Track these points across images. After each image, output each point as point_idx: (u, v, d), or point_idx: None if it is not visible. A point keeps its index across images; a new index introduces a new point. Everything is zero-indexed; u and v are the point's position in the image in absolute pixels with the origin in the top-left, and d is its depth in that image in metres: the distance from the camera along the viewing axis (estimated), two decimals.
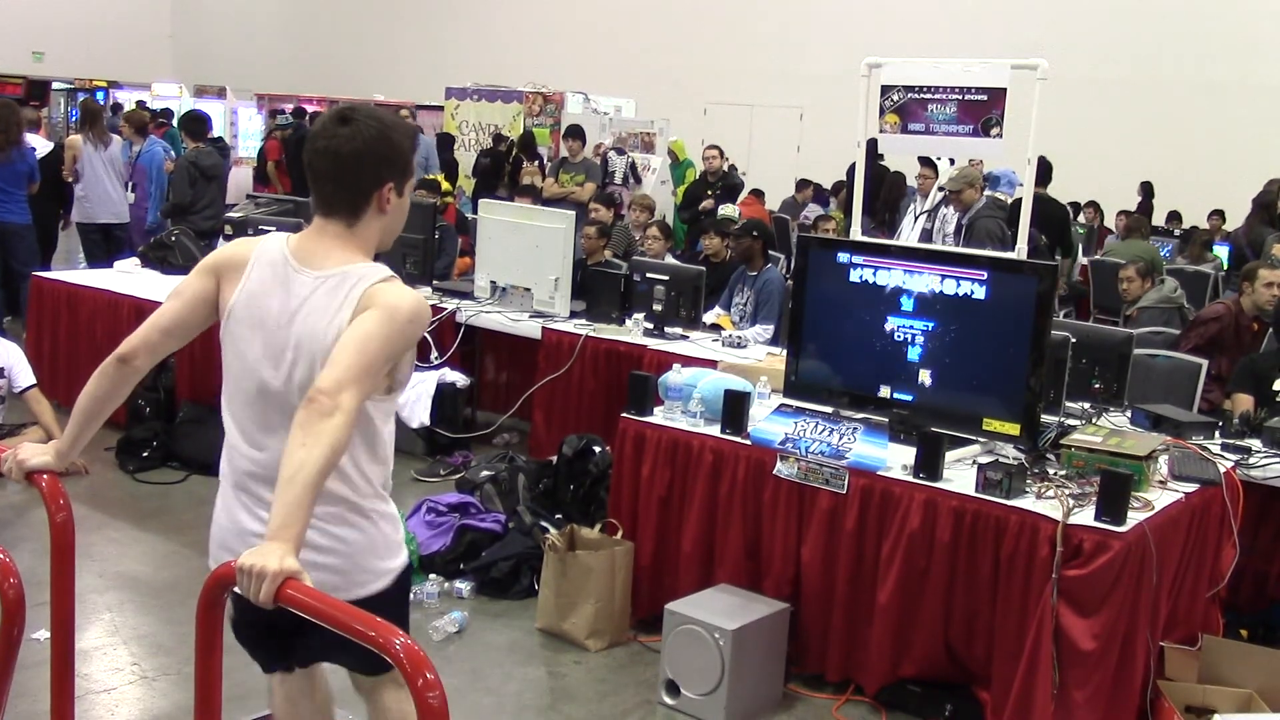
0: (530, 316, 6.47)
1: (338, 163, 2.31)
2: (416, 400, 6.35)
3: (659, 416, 4.45)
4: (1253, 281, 6.02)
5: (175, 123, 13.21)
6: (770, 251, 7.30)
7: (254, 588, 1.91)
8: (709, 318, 6.62)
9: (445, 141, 14.24)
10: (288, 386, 2.31)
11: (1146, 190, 14.79)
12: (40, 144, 9.55)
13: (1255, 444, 4.51)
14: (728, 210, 9.32)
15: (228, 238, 8.00)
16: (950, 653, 3.85)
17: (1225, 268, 10.77)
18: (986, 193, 8.29)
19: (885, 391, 4.34)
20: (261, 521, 2.30)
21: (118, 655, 4.04)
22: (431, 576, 4.72)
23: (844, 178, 12.22)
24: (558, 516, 4.94)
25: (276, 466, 2.16)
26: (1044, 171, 9.27)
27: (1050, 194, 9.10)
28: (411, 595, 4.51)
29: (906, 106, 5.06)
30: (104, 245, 9.11)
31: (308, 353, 2.29)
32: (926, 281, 4.21)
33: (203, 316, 2.45)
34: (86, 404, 2.47)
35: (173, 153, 10.73)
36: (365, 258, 2.36)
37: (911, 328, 4.27)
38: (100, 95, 20.37)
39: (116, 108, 18.11)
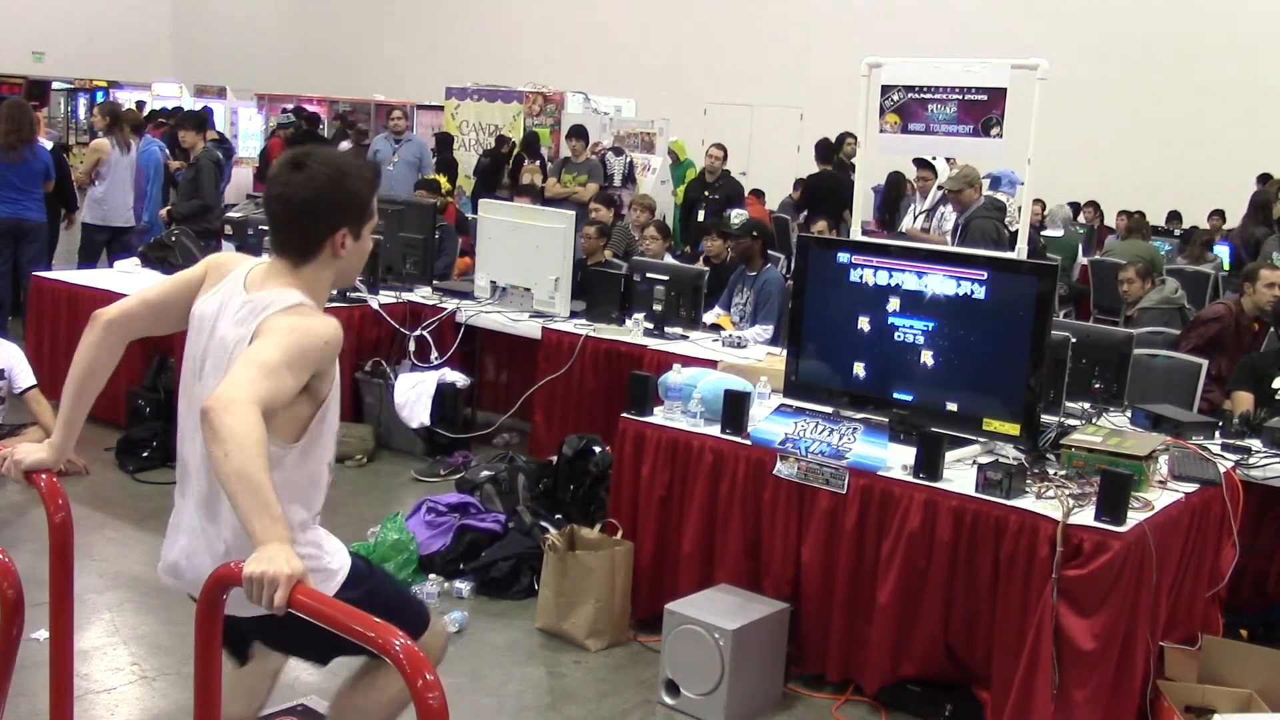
0: (530, 316, 6.47)
1: (289, 209, 2.35)
2: (416, 400, 6.35)
3: (659, 416, 4.44)
4: (1254, 282, 6.01)
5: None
6: (770, 251, 7.30)
7: (267, 595, 1.90)
8: (709, 318, 6.63)
9: (445, 141, 14.25)
10: (199, 393, 2.36)
11: None
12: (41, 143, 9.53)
13: (1255, 444, 4.51)
14: (739, 216, 9.35)
15: (227, 238, 8.01)
16: (950, 653, 3.85)
17: (1226, 268, 10.77)
18: (986, 193, 8.29)
19: (885, 392, 4.34)
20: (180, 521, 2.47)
21: (118, 655, 4.04)
22: (431, 576, 4.72)
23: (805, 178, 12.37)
24: (558, 516, 4.94)
25: (190, 469, 2.40)
26: (824, 151, 10.46)
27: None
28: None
29: (906, 106, 5.07)
30: (109, 247, 9.08)
31: (212, 364, 2.37)
32: (926, 281, 4.21)
33: (185, 306, 2.50)
34: (74, 379, 2.50)
35: (167, 151, 10.70)
36: (298, 290, 2.37)
37: (911, 328, 4.27)
38: (100, 95, 20.36)
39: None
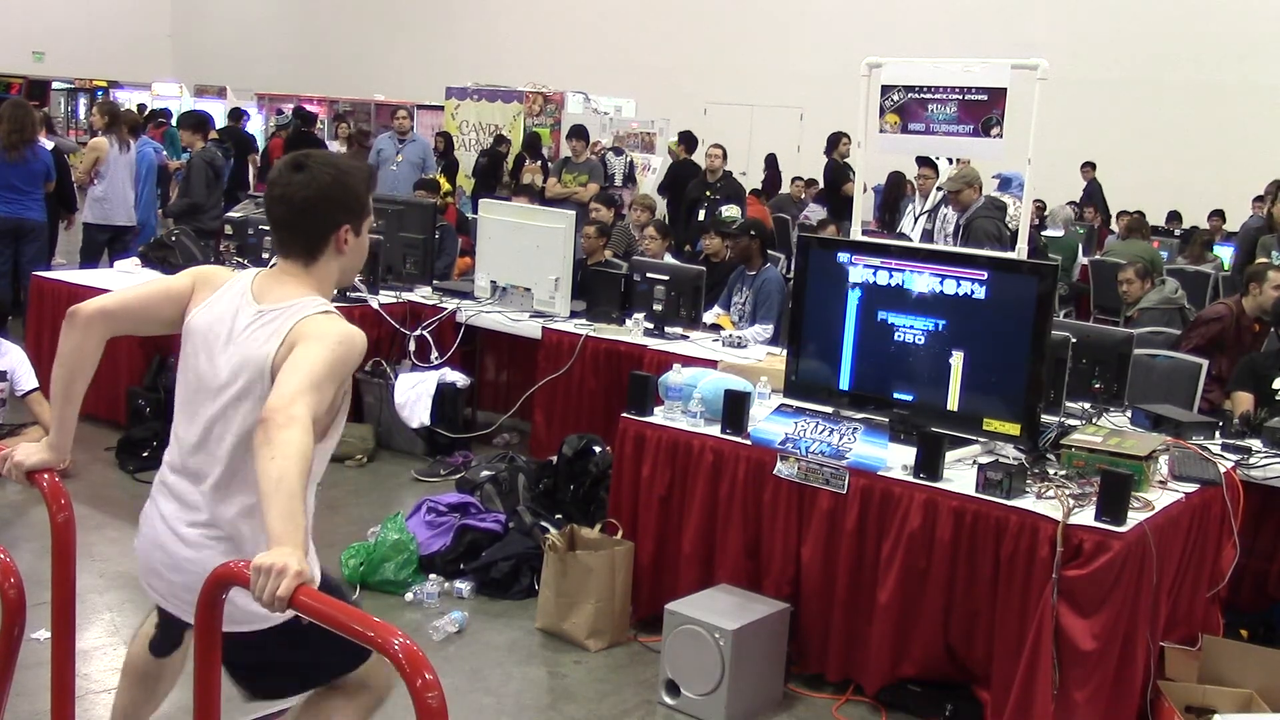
0: (530, 316, 6.47)
1: (292, 209, 2.41)
2: (416, 400, 6.35)
3: (659, 416, 4.44)
4: (1260, 283, 5.94)
5: (174, 123, 13.22)
6: (770, 251, 7.30)
7: (272, 584, 1.90)
8: (709, 317, 6.62)
9: (449, 143, 14.26)
10: (221, 410, 2.39)
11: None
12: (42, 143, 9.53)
13: (1255, 444, 4.51)
14: (731, 211, 9.33)
15: (227, 237, 8.01)
16: (950, 653, 3.85)
17: (1226, 268, 10.77)
18: (994, 193, 8.27)
19: (885, 392, 4.35)
20: (170, 529, 2.46)
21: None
22: (431, 576, 4.71)
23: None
24: (558, 516, 4.94)
25: (195, 484, 2.40)
26: (687, 141, 11.51)
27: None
28: (411, 595, 4.57)
29: (907, 106, 5.07)
30: (110, 247, 9.09)
31: (243, 379, 2.37)
32: (926, 281, 4.21)
33: (166, 314, 2.53)
34: (60, 380, 2.51)
35: (164, 153, 10.73)
36: (316, 294, 2.43)
37: (911, 328, 4.27)
38: (100, 95, 20.38)
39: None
